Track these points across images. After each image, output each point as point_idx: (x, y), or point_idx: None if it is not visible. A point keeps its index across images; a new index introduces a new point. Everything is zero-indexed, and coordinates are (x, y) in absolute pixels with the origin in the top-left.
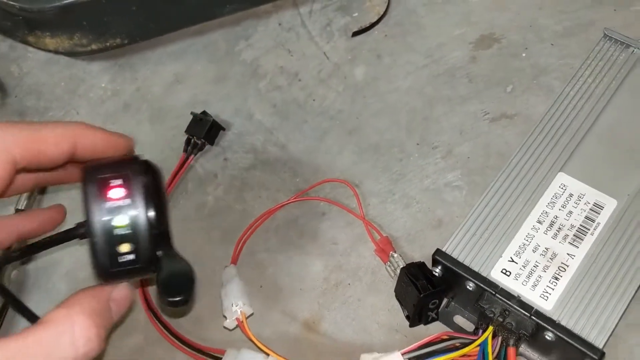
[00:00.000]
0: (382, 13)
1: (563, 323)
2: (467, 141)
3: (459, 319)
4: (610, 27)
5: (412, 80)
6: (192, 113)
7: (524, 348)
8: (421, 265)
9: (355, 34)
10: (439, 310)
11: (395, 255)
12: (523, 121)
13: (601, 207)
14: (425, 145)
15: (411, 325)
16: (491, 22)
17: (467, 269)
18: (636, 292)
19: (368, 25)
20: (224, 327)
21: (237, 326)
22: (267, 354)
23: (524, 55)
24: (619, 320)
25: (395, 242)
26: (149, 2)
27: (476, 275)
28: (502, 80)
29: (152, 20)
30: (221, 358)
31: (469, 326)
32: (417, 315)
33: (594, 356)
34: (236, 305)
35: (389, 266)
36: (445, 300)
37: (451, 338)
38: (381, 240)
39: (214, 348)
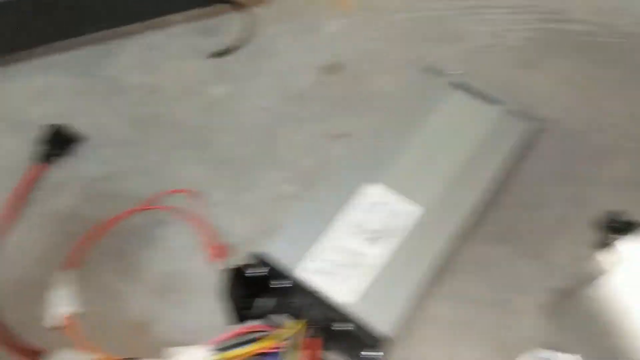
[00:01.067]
0: (243, 38)
1: (360, 315)
2: (308, 156)
3: (277, 317)
4: (442, 59)
5: (265, 100)
6: (48, 125)
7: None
8: (243, 267)
9: (216, 56)
10: (262, 308)
11: (226, 260)
12: (360, 139)
13: (406, 214)
14: (271, 160)
15: (234, 323)
16: (339, 52)
17: (281, 270)
18: (424, 287)
19: (229, 48)
20: (51, 328)
21: (65, 327)
22: (94, 354)
23: (363, 81)
24: (407, 311)
25: (233, 247)
26: (17, 16)
27: (287, 275)
28: (345, 103)
29: (19, 33)
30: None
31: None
32: (238, 314)
33: (383, 344)
34: (61, 308)
35: (220, 270)
36: (266, 299)
37: (260, 331)
38: (216, 247)
39: (37, 349)
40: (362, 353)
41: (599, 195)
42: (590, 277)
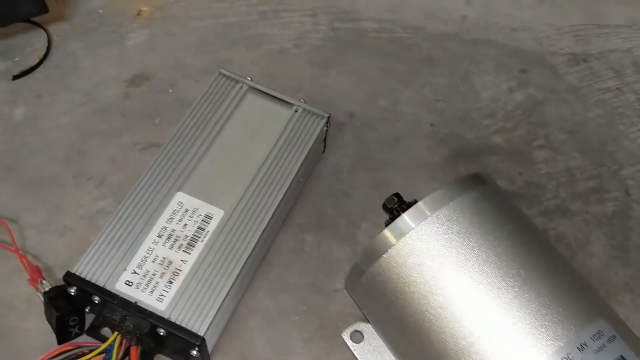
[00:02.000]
0: (42, 56)
1: (173, 319)
2: (119, 170)
3: (105, 331)
4: (243, 63)
5: (70, 117)
6: None
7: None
8: (61, 287)
9: (15, 77)
10: (90, 325)
11: (44, 282)
12: (165, 148)
13: (210, 217)
14: (81, 177)
15: (59, 343)
16: (143, 63)
17: (94, 285)
18: (234, 284)
19: (29, 68)
20: None
21: None
22: None
23: (170, 91)
24: (219, 309)
25: (50, 269)
26: None
27: (100, 290)
28: (151, 113)
29: None
30: None
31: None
32: (61, 333)
33: (196, 342)
34: None
35: (39, 293)
36: (95, 316)
37: (78, 347)
38: (31, 270)
39: None
40: (189, 354)
41: (396, 178)
42: (374, 252)
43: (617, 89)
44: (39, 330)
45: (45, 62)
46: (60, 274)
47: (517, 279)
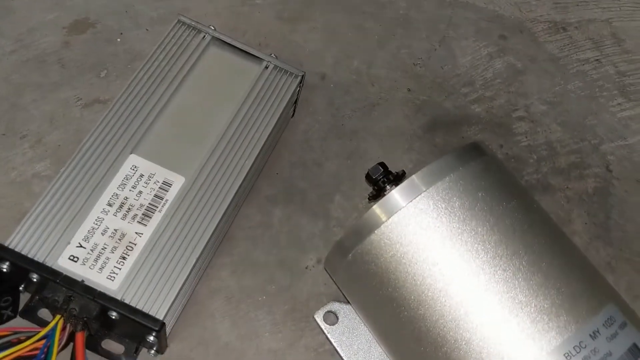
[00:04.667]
0: None
1: (127, 301)
2: (57, 129)
3: (43, 313)
4: (202, 13)
5: (1, 68)
6: None
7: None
8: None
9: None
10: (25, 306)
11: None
12: (115, 105)
13: (169, 185)
14: (12, 135)
15: None
16: (86, 7)
17: (31, 261)
18: (197, 261)
19: None
20: None
21: None
22: None
23: (119, 40)
24: (180, 289)
25: None
26: None
27: (39, 266)
28: (95, 65)
29: None
30: None
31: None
32: None
33: (154, 327)
34: None
35: None
36: (30, 296)
37: (14, 333)
38: None
39: None
40: (144, 339)
41: (371, 147)
42: (362, 229)
43: (596, 60)
44: None
45: None
46: None
47: (524, 260)
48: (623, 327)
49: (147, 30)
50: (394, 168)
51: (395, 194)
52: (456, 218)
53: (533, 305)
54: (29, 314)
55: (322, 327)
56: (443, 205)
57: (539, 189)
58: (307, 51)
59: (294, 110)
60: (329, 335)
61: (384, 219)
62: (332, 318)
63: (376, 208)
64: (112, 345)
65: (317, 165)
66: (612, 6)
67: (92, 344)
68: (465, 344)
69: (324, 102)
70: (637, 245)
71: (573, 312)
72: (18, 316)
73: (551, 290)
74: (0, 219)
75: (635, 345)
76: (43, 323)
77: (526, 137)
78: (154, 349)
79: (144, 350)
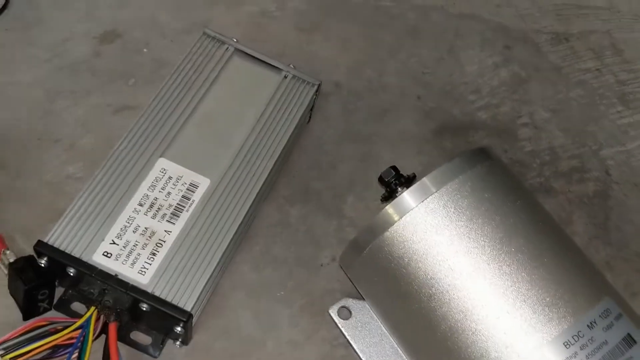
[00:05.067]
0: (1, 6)
1: (157, 293)
2: (89, 133)
3: (76, 306)
4: (223, 24)
5: (33, 74)
6: None
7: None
8: (29, 258)
9: None
10: (59, 299)
11: (8, 252)
12: (143, 112)
13: (196, 186)
14: (47, 140)
15: (25, 319)
16: (115, 19)
17: (68, 256)
18: (222, 257)
19: None
20: None
21: None
22: None
23: (145, 50)
24: (206, 283)
25: (12, 239)
26: None
27: (76, 261)
28: (124, 74)
29: None
30: None
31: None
32: (28, 308)
33: (182, 318)
34: None
35: (2, 264)
36: (63, 290)
37: (51, 323)
38: None
39: None
40: (171, 330)
41: (383, 150)
42: (376, 228)
43: (597, 70)
44: (4, 304)
45: (4, 13)
46: (24, 244)
47: (527, 255)
48: (618, 319)
49: (171, 41)
50: (404, 170)
51: (406, 196)
52: (464, 217)
53: (535, 298)
54: (63, 306)
55: (337, 321)
56: (452, 206)
57: (542, 192)
58: (322, 60)
59: (310, 116)
60: (342, 330)
61: (396, 218)
62: (345, 313)
63: (389, 208)
64: (140, 337)
65: (332, 168)
66: (612, 18)
67: (121, 335)
68: (472, 334)
69: (338, 108)
70: (634, 246)
71: (572, 304)
72: (53, 309)
73: (552, 284)
74: (36, 218)
75: (629, 334)
76: (76, 315)
77: (530, 143)
78: (180, 340)
79: (169, 342)
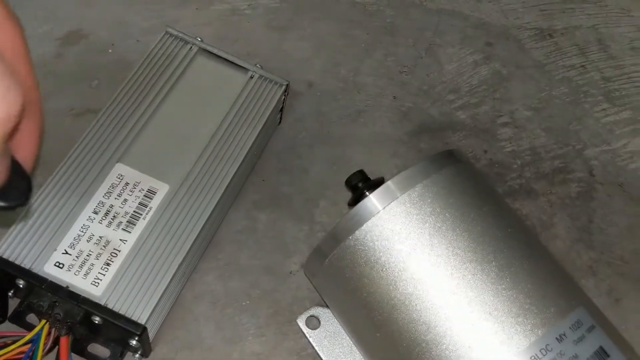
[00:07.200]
0: None
1: (110, 306)
2: (49, 138)
3: (32, 318)
4: (193, 23)
5: None
6: None
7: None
8: None
9: None
10: (14, 311)
11: None
12: (103, 115)
13: (154, 193)
14: None
15: None
16: (79, 19)
17: (18, 267)
18: (180, 267)
19: None
20: None
21: None
22: None
23: (110, 51)
24: (163, 294)
25: None
26: None
27: (26, 273)
28: (88, 75)
29: None
30: None
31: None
32: None
33: (136, 332)
34: None
35: None
36: (19, 301)
37: (1, 337)
38: None
39: None
40: (127, 343)
41: (356, 153)
42: (338, 235)
43: (582, 66)
44: None
45: None
46: None
47: (493, 264)
48: (591, 331)
49: (137, 40)
50: (378, 173)
51: (371, 200)
52: (427, 224)
53: (501, 310)
54: (18, 318)
55: (305, 331)
56: (414, 212)
57: (522, 194)
58: (295, 59)
59: (281, 118)
60: (311, 340)
61: (358, 224)
62: (314, 322)
63: (353, 212)
64: (99, 349)
65: (303, 171)
66: (598, 13)
67: (79, 348)
68: (435, 347)
69: (310, 109)
70: (618, 249)
71: (541, 315)
72: (7, 321)
73: (519, 294)
74: None
75: (602, 348)
76: (31, 328)
77: (510, 143)
78: (139, 352)
79: (129, 354)
